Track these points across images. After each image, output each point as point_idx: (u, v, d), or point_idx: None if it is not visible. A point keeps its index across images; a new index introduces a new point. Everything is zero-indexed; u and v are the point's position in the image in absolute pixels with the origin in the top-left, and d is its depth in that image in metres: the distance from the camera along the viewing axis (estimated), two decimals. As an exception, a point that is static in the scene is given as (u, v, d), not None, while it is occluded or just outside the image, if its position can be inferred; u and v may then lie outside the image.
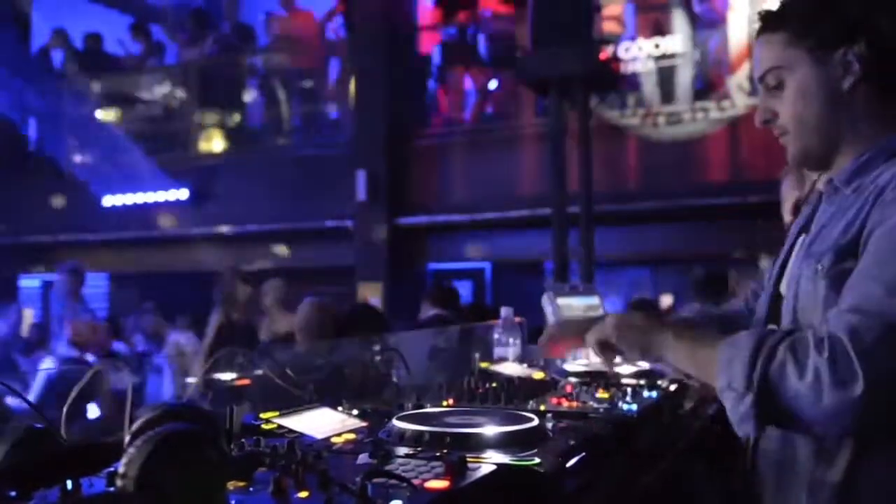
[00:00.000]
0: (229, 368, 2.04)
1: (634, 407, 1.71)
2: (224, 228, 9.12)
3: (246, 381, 1.99)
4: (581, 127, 5.42)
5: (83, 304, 6.50)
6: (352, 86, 8.88)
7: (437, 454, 1.18)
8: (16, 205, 9.87)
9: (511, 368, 2.23)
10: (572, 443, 1.37)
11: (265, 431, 1.38)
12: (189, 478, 0.81)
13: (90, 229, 9.68)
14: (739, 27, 7.59)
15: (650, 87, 7.80)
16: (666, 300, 8.12)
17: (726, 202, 7.07)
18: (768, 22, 1.42)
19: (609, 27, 7.54)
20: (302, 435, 1.38)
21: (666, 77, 7.76)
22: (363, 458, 1.16)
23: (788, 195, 2.20)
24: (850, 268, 1.24)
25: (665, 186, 7.50)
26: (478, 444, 1.27)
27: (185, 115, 10.05)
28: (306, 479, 1.02)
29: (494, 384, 1.88)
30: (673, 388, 2.00)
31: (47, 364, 5.74)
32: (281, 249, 9.09)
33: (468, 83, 9.01)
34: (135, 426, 0.87)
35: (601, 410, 1.67)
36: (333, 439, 1.37)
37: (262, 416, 1.45)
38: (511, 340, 2.48)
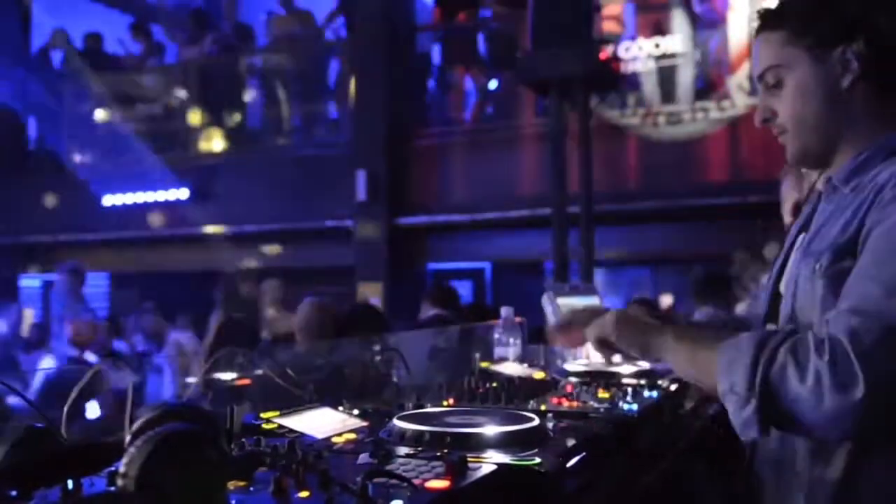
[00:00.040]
0: (229, 368, 2.04)
1: (635, 407, 1.71)
2: (224, 228, 9.11)
3: (246, 381, 1.99)
4: (581, 127, 5.42)
5: (83, 304, 6.51)
6: (352, 86, 8.88)
7: (438, 454, 1.18)
8: (16, 204, 9.87)
9: (511, 368, 2.23)
10: (573, 443, 1.37)
11: (266, 431, 1.38)
12: (189, 477, 0.81)
13: (90, 229, 9.68)
14: (740, 27, 7.59)
15: (650, 87, 7.80)
16: (666, 300, 8.13)
17: (726, 202, 7.07)
18: (767, 20, 1.42)
19: (609, 27, 7.55)
20: (302, 435, 1.38)
21: (666, 77, 7.76)
22: (364, 457, 1.16)
23: (788, 196, 2.20)
24: (849, 267, 1.24)
25: (665, 186, 7.50)
26: (478, 444, 1.27)
27: (185, 115, 10.05)
28: (307, 479, 1.02)
29: (495, 384, 1.88)
30: (674, 387, 2.00)
31: (47, 363, 5.75)
32: (271, 249, 9.07)
33: (468, 83, 9.01)
34: (135, 426, 0.87)
35: (602, 410, 1.67)
36: (334, 439, 1.38)
37: (263, 415, 1.45)
38: (511, 340, 2.48)
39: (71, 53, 10.52)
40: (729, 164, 7.62)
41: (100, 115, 10.33)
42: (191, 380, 3.44)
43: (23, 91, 10.39)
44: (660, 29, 7.88)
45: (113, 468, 0.94)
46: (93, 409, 4.12)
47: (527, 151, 8.09)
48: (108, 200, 9.65)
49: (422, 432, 1.30)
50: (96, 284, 9.60)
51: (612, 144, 7.52)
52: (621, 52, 7.62)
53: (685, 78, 7.76)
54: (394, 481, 1.01)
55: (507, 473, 1.17)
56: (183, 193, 9.31)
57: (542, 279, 7.93)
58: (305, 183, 8.66)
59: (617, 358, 1.55)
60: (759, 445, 1.44)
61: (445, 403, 1.73)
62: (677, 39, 7.79)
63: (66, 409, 1.32)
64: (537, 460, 1.22)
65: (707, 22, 7.96)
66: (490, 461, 1.19)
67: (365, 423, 1.48)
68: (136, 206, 9.54)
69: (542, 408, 1.68)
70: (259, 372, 1.94)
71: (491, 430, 1.30)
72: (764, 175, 5.98)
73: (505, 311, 2.51)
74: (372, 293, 7.92)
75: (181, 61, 10.36)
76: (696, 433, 2.05)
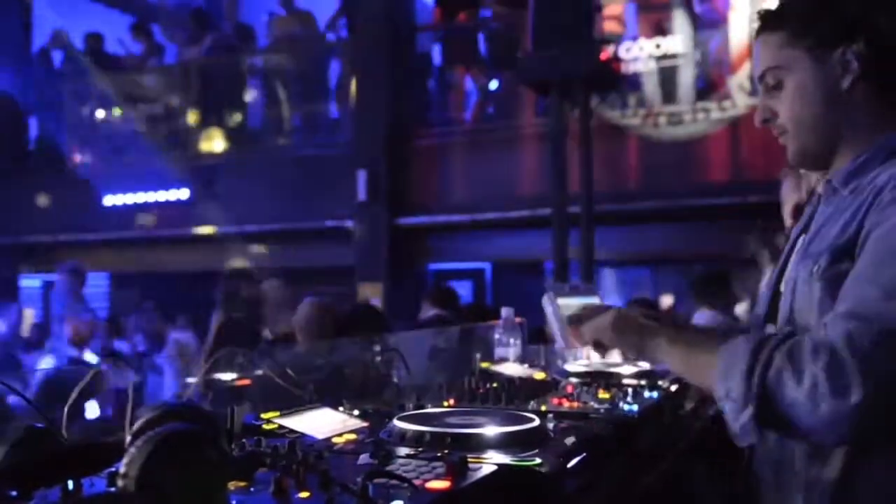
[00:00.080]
0: (230, 368, 2.04)
1: (635, 407, 1.71)
2: (224, 228, 9.11)
3: (246, 381, 1.99)
4: (582, 127, 5.42)
5: (84, 304, 6.50)
6: (352, 86, 8.88)
7: (438, 454, 1.18)
8: (16, 204, 9.87)
9: (512, 369, 2.23)
10: (573, 443, 1.37)
11: (266, 431, 1.38)
12: (190, 478, 0.81)
13: (91, 229, 9.68)
14: (740, 27, 7.58)
15: (651, 87, 7.80)
16: (666, 300, 8.13)
17: (727, 202, 7.07)
18: (767, 21, 1.42)
19: (610, 27, 7.54)
20: (303, 435, 1.38)
21: (667, 77, 7.75)
22: (364, 458, 1.16)
23: (788, 198, 2.19)
24: (846, 269, 1.24)
25: (665, 186, 7.49)
26: (479, 445, 1.27)
27: (185, 115, 10.05)
28: (307, 480, 1.02)
29: (495, 384, 1.88)
30: (674, 388, 2.00)
31: (47, 363, 5.75)
32: (271, 249, 9.06)
33: (468, 83, 9.01)
34: (135, 426, 0.87)
35: (602, 411, 1.67)
36: (334, 439, 1.38)
37: (263, 416, 1.45)
38: (512, 341, 2.48)
39: (72, 53, 10.53)
40: (729, 165, 7.61)
41: (100, 115, 10.33)
42: (191, 380, 3.43)
43: (23, 91, 10.40)
44: (661, 29, 7.87)
45: (113, 468, 0.94)
46: (92, 409, 4.12)
47: (527, 151, 8.08)
48: (109, 200, 9.65)
49: (422, 433, 1.30)
50: (96, 284, 9.60)
51: (612, 144, 7.51)
52: (622, 53, 7.61)
53: (686, 78, 7.76)
54: (394, 482, 1.01)
55: (508, 474, 1.17)
56: (183, 193, 9.32)
57: (542, 279, 7.92)
58: (306, 183, 8.66)
59: (617, 358, 1.55)
60: (758, 446, 1.44)
61: (446, 404, 1.73)
62: (678, 40, 7.78)
63: (66, 409, 1.32)
64: (538, 461, 1.22)
65: (708, 22, 7.96)
66: (490, 462, 1.19)
67: (365, 424, 1.48)
68: (136, 205, 9.54)
69: (543, 408, 1.68)
70: (259, 372, 1.94)
71: (491, 430, 1.30)
72: (764, 175, 5.97)
73: (505, 311, 2.52)
74: (372, 293, 7.92)
75: (182, 61, 10.36)
76: (697, 434, 2.05)
